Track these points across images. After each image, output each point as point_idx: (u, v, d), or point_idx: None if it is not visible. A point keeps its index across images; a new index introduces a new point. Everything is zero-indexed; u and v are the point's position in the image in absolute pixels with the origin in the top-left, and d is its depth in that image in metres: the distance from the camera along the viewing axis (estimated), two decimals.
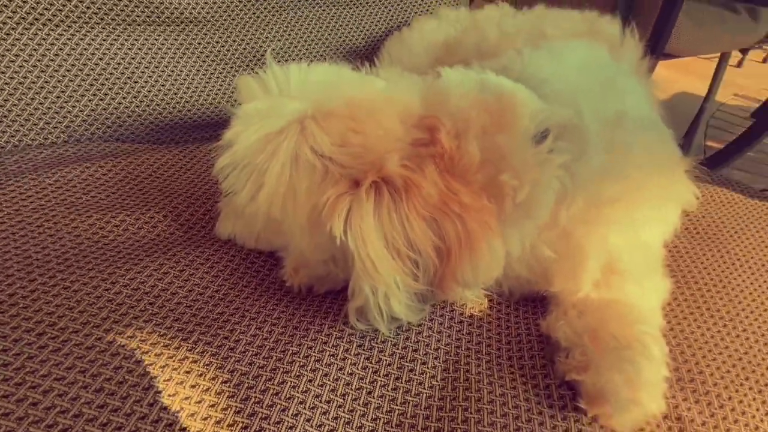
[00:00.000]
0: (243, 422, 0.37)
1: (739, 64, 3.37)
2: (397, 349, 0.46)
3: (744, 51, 3.24)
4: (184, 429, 0.36)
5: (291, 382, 0.40)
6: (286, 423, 0.37)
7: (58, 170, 0.61)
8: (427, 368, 0.45)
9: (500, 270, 0.45)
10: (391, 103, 0.46)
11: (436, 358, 0.46)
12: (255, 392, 0.39)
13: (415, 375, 0.44)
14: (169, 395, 0.37)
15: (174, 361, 0.40)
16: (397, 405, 0.42)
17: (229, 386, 0.39)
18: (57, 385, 0.36)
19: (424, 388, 0.43)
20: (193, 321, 0.44)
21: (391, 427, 0.40)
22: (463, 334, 0.49)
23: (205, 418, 0.36)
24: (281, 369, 0.41)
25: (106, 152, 0.68)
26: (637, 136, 0.51)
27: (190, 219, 0.58)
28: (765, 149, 2.32)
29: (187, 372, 0.39)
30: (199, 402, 0.37)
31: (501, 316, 0.52)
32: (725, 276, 0.60)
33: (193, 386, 0.38)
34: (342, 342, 0.45)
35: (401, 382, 0.43)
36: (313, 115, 0.44)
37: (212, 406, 0.37)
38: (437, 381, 0.44)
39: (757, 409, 0.46)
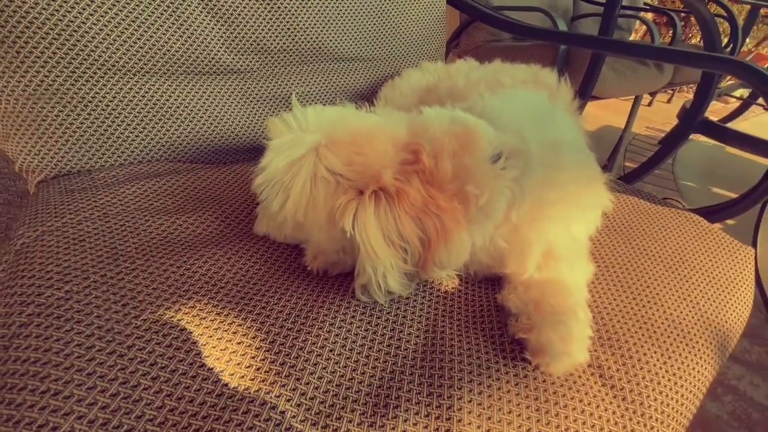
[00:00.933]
0: (276, 369, 0.38)
1: (650, 104, 3.42)
2: (390, 316, 0.48)
3: (653, 94, 3.29)
4: (233, 374, 0.37)
5: (311, 340, 0.41)
6: (308, 370, 0.39)
7: (135, 183, 0.62)
8: (413, 330, 0.46)
9: (467, 256, 0.47)
10: (384, 132, 0.48)
11: (419, 323, 0.48)
12: (285, 347, 0.40)
13: (403, 335, 0.46)
14: (221, 349, 0.38)
15: (225, 324, 0.41)
16: (390, 357, 0.43)
17: (266, 343, 0.40)
18: (137, 341, 0.37)
19: (410, 345, 0.45)
20: (239, 296, 0.45)
21: (386, 372, 0.41)
22: (439, 305, 0.50)
23: (248, 367, 0.38)
24: (304, 330, 0.42)
25: (172, 170, 0.70)
26: (569, 157, 0.53)
27: (234, 220, 0.59)
28: (668, 168, 2.35)
29: (234, 332, 0.40)
30: (244, 354, 0.38)
31: (468, 292, 0.53)
32: (634, 262, 0.62)
33: (239, 343, 0.39)
34: (349, 311, 0.46)
35: (393, 340, 0.45)
36: (326, 143, 0.45)
37: (253, 357, 0.38)
38: (420, 339, 0.46)
39: (657, 359, 0.47)
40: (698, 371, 0.49)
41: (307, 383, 0.38)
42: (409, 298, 0.50)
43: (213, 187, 0.67)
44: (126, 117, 0.70)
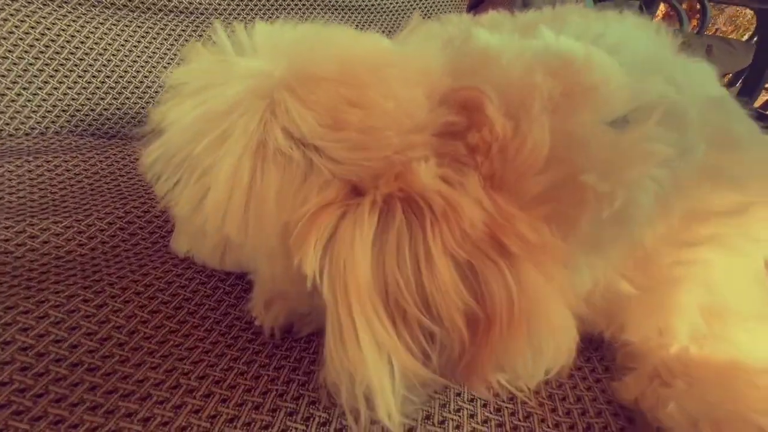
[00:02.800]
0: None
1: None
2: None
3: None
4: None
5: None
6: None
7: None
8: None
9: (572, 353, 0.22)
10: (406, 64, 0.23)
11: None
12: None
13: None
14: None
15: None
16: None
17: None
18: None
19: None
20: (87, 400, 0.21)
21: None
22: (491, 415, 0.26)
23: None
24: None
25: (64, 146, 0.45)
26: (744, 126, 0.29)
27: (144, 227, 0.35)
28: None
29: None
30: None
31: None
32: None
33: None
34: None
35: None
36: (287, 80, 0.21)
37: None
38: None
39: None
40: None
41: None
42: (446, 394, 0.26)
43: (119, 170, 0.42)
44: (11, 63, 0.45)
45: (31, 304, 0.25)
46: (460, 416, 0.24)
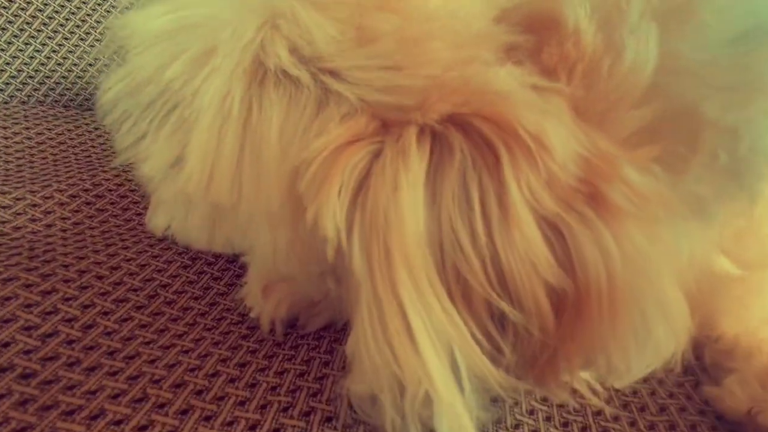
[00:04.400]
0: None
1: None
2: None
3: None
4: None
5: None
6: None
7: None
8: None
9: (685, 341, 0.16)
10: None
11: None
12: None
13: None
14: None
15: None
16: None
17: None
18: None
19: None
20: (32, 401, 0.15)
21: None
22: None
23: None
24: None
25: (36, 115, 0.39)
26: None
27: (116, 202, 0.29)
28: None
29: None
30: None
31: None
32: None
33: None
34: None
35: None
36: None
37: None
38: None
39: None
40: None
41: None
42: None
43: (90, 141, 0.36)
44: None
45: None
46: (534, 420, 0.19)
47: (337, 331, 0.23)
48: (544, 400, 0.20)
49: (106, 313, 0.20)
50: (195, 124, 0.16)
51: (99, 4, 0.46)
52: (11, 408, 0.15)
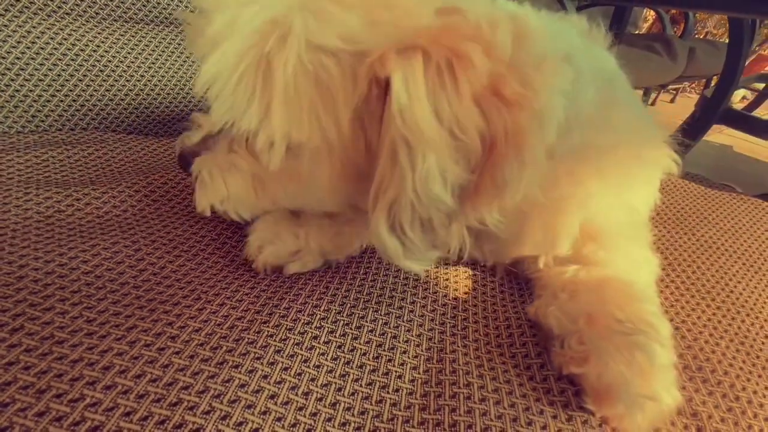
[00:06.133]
0: None
1: (653, 103, 3.30)
2: (374, 335, 0.31)
3: (663, 87, 3.14)
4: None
5: (240, 379, 0.25)
6: None
7: (34, 151, 0.46)
8: (408, 357, 0.30)
9: (536, 185, 0.29)
10: None
11: (418, 345, 0.31)
12: (189, 393, 0.24)
13: (393, 366, 0.29)
14: (71, 400, 0.22)
15: (94, 354, 0.24)
16: (371, 404, 0.27)
17: (157, 386, 0.24)
18: None
19: (404, 382, 0.28)
20: (135, 304, 0.29)
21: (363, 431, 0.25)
22: (447, 318, 0.34)
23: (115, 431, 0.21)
24: (229, 363, 0.26)
25: (91, 139, 0.53)
26: (625, 92, 0.37)
27: (164, 197, 0.43)
28: None
29: (106, 368, 0.24)
30: (111, 409, 0.22)
31: (486, 298, 0.37)
32: (704, 259, 0.46)
33: (108, 387, 0.23)
34: (310, 328, 0.30)
35: (377, 375, 0.29)
36: None
37: (128, 414, 0.22)
38: (419, 373, 0.29)
39: None
40: None
41: None
42: (402, 308, 0.34)
43: (140, 158, 0.50)
44: (34, 70, 0.53)
45: (87, 247, 0.33)
46: (425, 301, 0.32)
47: (307, 275, 0.36)
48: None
49: (171, 262, 0.34)
50: (275, 86, 0.25)
51: (136, 56, 0.61)
52: (111, 303, 0.29)
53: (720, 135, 2.62)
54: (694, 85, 3.90)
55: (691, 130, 1.52)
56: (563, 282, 0.34)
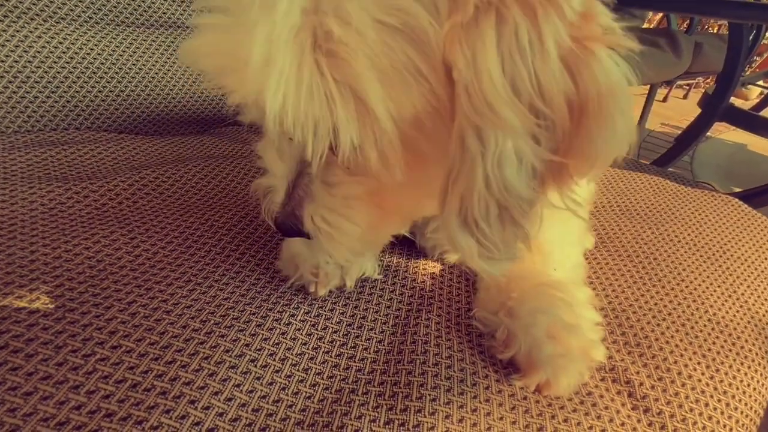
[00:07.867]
0: (162, 386, 0.28)
1: (665, 99, 3.36)
2: (345, 317, 0.38)
3: (669, 84, 3.22)
4: (92, 392, 0.26)
5: (225, 345, 0.31)
6: (210, 388, 0.28)
7: (35, 149, 0.52)
8: (375, 333, 0.37)
9: (633, 139, 0.25)
10: None
11: (384, 323, 0.38)
12: (182, 355, 0.30)
13: (361, 340, 0.36)
14: (84, 355, 0.28)
15: (101, 321, 0.31)
16: (339, 371, 0.33)
17: (155, 348, 0.30)
18: None
19: (369, 353, 0.35)
20: (133, 283, 0.35)
21: (330, 392, 0.31)
22: (414, 299, 0.41)
23: (120, 381, 0.27)
24: (216, 333, 0.32)
25: (90, 138, 0.59)
26: None
27: (156, 189, 0.49)
28: (685, 167, 2.28)
29: (112, 332, 0.30)
30: (118, 363, 0.28)
31: (452, 284, 0.44)
32: (664, 251, 0.53)
33: (114, 347, 0.29)
34: (288, 308, 0.36)
35: (346, 348, 0.35)
36: None
37: (131, 368, 0.28)
38: (384, 345, 0.36)
39: (702, 374, 0.38)
40: (755, 387, 0.40)
41: (213, 411, 0.27)
42: (371, 294, 0.40)
43: (132, 156, 0.57)
44: (30, 72, 0.60)
45: (88, 236, 0.39)
46: (393, 286, 0.39)
47: None
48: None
49: (160, 252, 0.40)
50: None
51: (135, 60, 0.67)
52: (151, 265, 0.35)
53: (733, 133, 2.69)
54: (708, 80, 3.97)
55: (693, 129, 1.59)
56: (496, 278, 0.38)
